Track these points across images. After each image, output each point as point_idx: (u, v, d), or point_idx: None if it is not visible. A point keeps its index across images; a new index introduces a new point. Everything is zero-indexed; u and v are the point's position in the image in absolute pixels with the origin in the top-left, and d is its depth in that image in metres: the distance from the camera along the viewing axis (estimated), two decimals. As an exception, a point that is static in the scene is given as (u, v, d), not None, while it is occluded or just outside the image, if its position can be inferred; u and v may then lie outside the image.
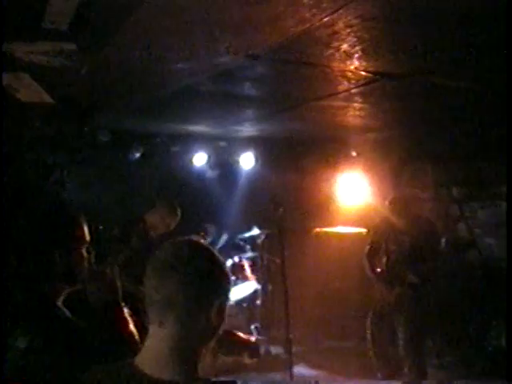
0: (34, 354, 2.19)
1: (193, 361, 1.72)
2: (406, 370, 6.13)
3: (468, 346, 7.20)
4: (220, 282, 1.79)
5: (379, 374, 6.42)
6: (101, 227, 7.51)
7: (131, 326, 2.53)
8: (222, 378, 1.91)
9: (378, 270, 6.44)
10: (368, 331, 6.49)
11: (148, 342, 1.75)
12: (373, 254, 6.55)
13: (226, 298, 1.80)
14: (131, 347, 2.34)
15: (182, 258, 1.74)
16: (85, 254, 2.51)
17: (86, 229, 2.54)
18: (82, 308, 2.48)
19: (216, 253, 1.83)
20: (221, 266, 1.81)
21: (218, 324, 1.76)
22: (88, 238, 2.53)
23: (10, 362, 2.19)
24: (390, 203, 6.33)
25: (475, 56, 3.90)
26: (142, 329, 5.40)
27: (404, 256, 6.18)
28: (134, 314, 5.92)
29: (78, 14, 2.87)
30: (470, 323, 7.24)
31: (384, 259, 6.43)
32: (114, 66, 4.11)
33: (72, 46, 3.30)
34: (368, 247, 6.60)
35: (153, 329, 1.73)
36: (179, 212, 6.38)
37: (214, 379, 1.75)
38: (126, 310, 2.59)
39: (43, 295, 2.37)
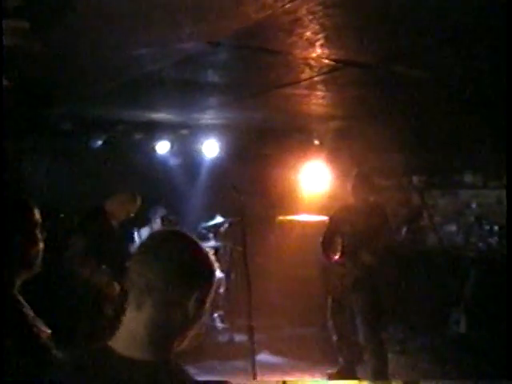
0: None
1: (166, 346, 1.77)
2: (366, 356, 6.18)
3: (429, 332, 7.31)
4: (201, 274, 1.82)
5: (341, 360, 6.47)
6: (61, 215, 7.44)
7: None
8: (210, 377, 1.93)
9: (336, 256, 6.46)
10: (329, 318, 6.52)
11: (125, 324, 1.78)
12: (328, 240, 6.57)
13: (207, 291, 1.82)
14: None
15: (165, 246, 1.80)
16: (39, 235, 2.48)
17: (36, 210, 2.51)
18: (38, 293, 2.45)
19: (202, 246, 1.86)
20: (204, 259, 1.84)
21: (195, 316, 1.79)
22: (39, 218, 2.51)
23: None
24: (356, 176, 6.34)
25: (437, 45, 3.93)
26: (101, 318, 5.29)
27: (359, 236, 6.20)
28: (95, 303, 5.85)
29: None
30: (430, 309, 7.34)
31: (340, 244, 6.47)
32: (70, 50, 4.02)
33: (24, 24, 3.21)
34: (323, 234, 6.61)
35: (130, 311, 1.77)
36: (139, 199, 6.35)
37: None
38: None
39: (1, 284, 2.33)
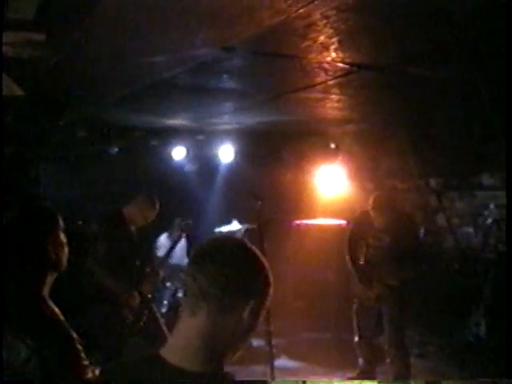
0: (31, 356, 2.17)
1: (219, 357, 1.73)
2: (389, 358, 6.15)
3: (448, 335, 7.26)
4: (258, 283, 1.79)
5: (361, 361, 6.43)
6: (80, 222, 7.46)
7: None
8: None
9: (361, 262, 6.41)
10: (354, 319, 6.50)
11: (177, 331, 1.74)
12: (354, 244, 6.52)
13: (263, 301, 1.80)
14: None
15: (224, 252, 1.75)
16: (64, 239, 2.52)
17: (58, 215, 2.55)
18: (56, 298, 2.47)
19: (260, 255, 1.83)
20: (262, 268, 1.82)
21: (249, 326, 1.76)
22: (62, 222, 2.55)
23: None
24: (374, 201, 6.26)
25: (452, 47, 3.91)
26: (122, 324, 5.28)
27: (384, 255, 6.13)
28: (113, 309, 5.82)
29: (44, 1, 2.81)
30: (449, 312, 7.29)
31: (364, 251, 6.41)
32: (86, 58, 4.05)
33: (40, 37, 3.22)
34: (349, 238, 6.56)
35: (184, 317, 1.73)
36: (158, 205, 6.31)
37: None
38: None
39: (32, 288, 2.37)
